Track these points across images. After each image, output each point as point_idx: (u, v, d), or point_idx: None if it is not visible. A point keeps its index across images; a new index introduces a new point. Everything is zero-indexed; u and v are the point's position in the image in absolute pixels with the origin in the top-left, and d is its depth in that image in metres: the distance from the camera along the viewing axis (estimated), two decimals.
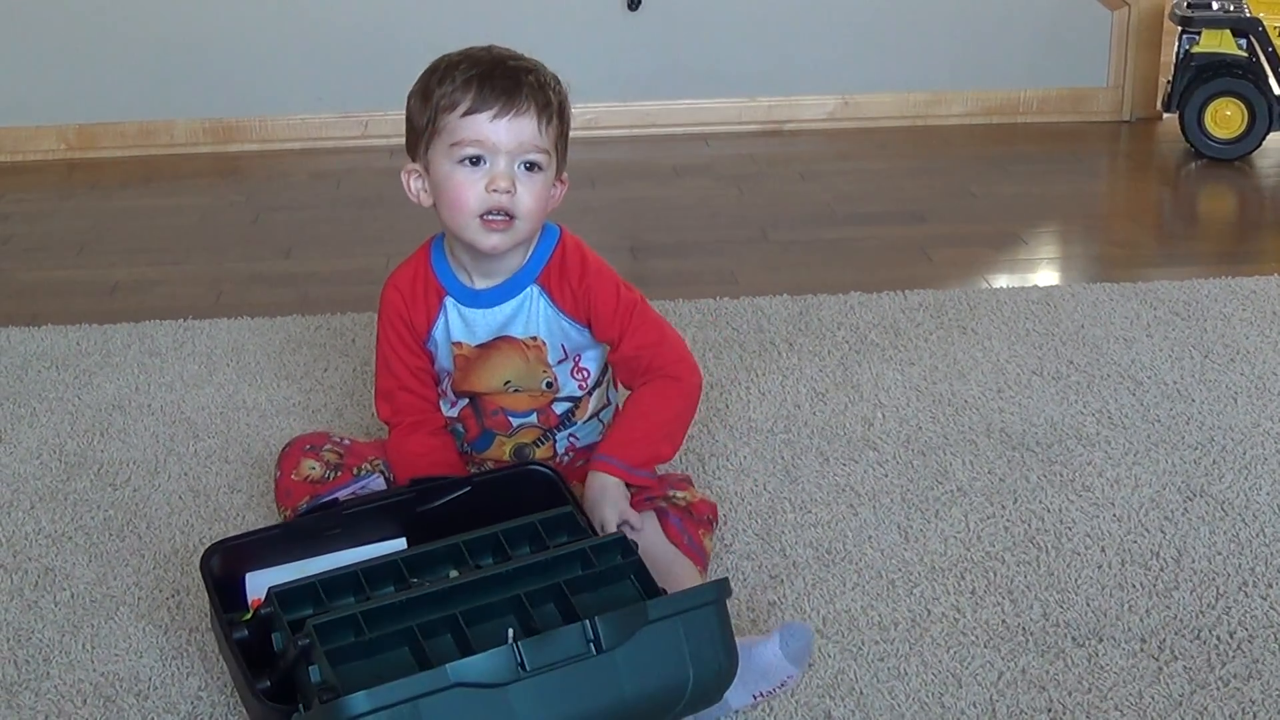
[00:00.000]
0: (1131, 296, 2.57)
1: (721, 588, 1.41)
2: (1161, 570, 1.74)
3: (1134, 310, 2.51)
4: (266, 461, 2.01)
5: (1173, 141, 3.67)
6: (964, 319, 2.49)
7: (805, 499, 1.92)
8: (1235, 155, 3.50)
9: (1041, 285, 2.69)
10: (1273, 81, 3.47)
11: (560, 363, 1.78)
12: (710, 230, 3.10)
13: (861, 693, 1.52)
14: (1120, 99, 3.92)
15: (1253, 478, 1.95)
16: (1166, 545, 1.79)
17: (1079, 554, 1.78)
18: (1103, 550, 1.78)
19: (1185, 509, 1.87)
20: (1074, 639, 1.61)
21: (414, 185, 1.73)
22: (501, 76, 1.64)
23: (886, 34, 3.85)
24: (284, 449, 1.82)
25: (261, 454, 2.06)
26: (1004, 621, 1.64)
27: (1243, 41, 3.45)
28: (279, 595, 1.43)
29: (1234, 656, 1.57)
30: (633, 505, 1.67)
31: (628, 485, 1.69)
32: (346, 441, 1.83)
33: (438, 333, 1.78)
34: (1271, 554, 1.77)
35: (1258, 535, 1.81)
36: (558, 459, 1.83)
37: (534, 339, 1.76)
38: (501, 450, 1.82)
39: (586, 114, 3.70)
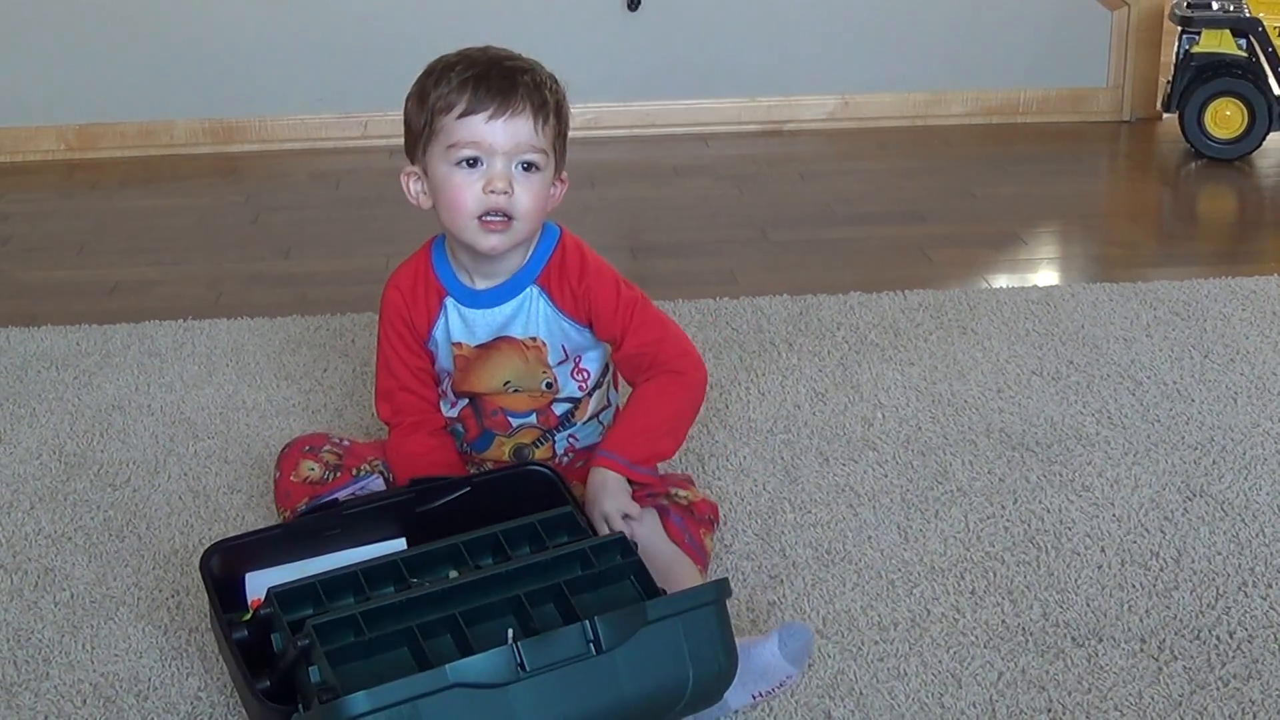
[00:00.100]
0: (1131, 296, 2.57)
1: (721, 588, 1.41)
2: (1161, 570, 1.74)
3: (1134, 310, 2.51)
4: (266, 462, 2.01)
5: (1172, 141, 3.67)
6: (964, 319, 2.49)
7: (805, 499, 1.92)
8: (1235, 155, 3.50)
9: (1041, 285, 2.70)
10: (1272, 81, 3.47)
11: (560, 364, 1.78)
12: (710, 230, 3.10)
13: (861, 693, 1.52)
14: (1120, 99, 3.92)
15: (1252, 478, 1.95)
16: (1166, 545, 1.79)
17: (1079, 554, 1.78)
18: (1102, 550, 1.78)
19: (1185, 509, 1.87)
20: (1074, 639, 1.61)
21: (413, 188, 1.73)
22: (497, 77, 1.64)
23: (886, 34, 3.85)
24: (283, 450, 1.82)
25: (261, 454, 2.06)
26: (1004, 622, 1.64)
27: (1243, 41, 3.45)
28: (279, 595, 1.43)
29: (1234, 657, 1.57)
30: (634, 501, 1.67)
31: (629, 482, 1.69)
32: (346, 442, 1.83)
33: (438, 333, 1.78)
34: (1271, 554, 1.77)
35: (1257, 535, 1.81)
36: (557, 459, 1.83)
37: (533, 339, 1.76)
38: (501, 450, 1.82)
39: (586, 114, 3.70)
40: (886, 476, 1.97)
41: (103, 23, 3.71)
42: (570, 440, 1.83)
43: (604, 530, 1.63)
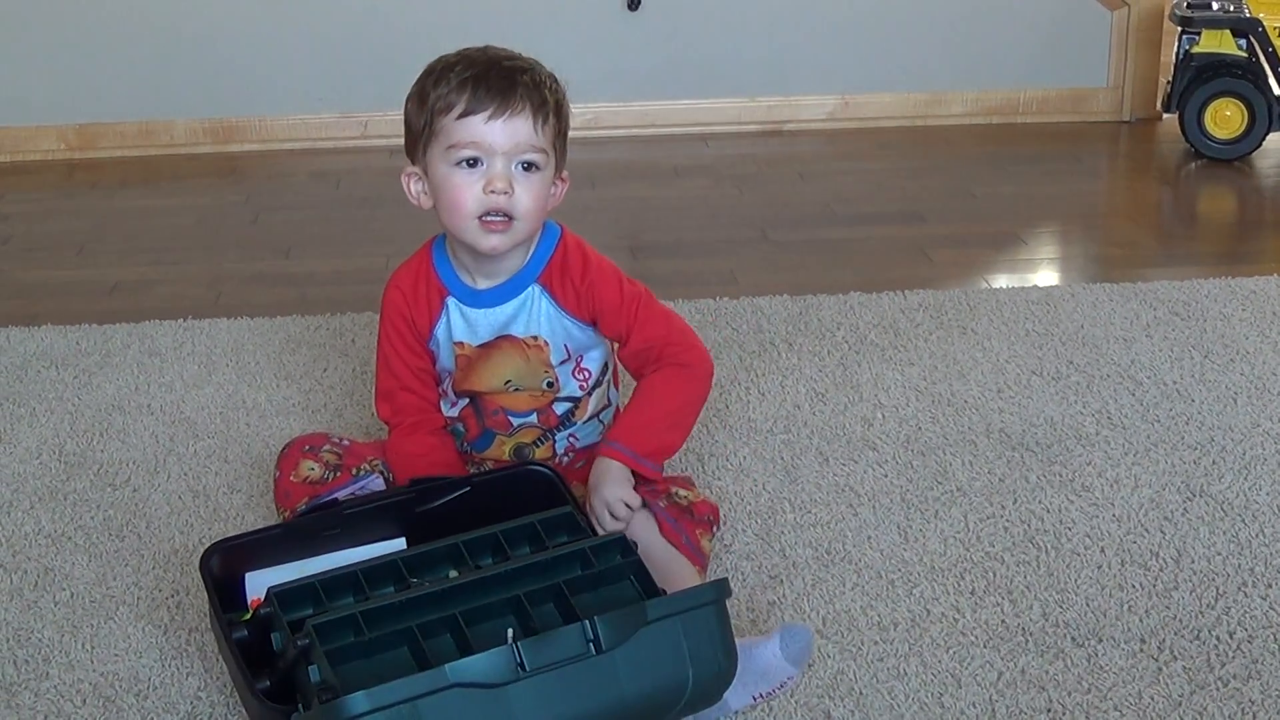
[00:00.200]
0: (1131, 297, 2.57)
1: (721, 588, 1.41)
2: (1161, 570, 1.74)
3: (1134, 310, 2.51)
4: (266, 461, 2.01)
5: (1172, 142, 3.67)
6: (964, 319, 2.49)
7: (805, 499, 1.92)
8: (1235, 155, 3.50)
9: (1041, 285, 2.70)
10: (1273, 82, 3.47)
11: (563, 363, 1.78)
12: (710, 230, 3.10)
13: (861, 693, 1.52)
14: (1120, 99, 3.92)
15: (1252, 478, 1.95)
16: (1166, 545, 1.79)
17: (1078, 554, 1.78)
18: (1102, 550, 1.78)
19: (1185, 509, 1.87)
20: (1073, 639, 1.61)
21: (414, 188, 1.73)
22: (496, 77, 1.64)
23: (886, 34, 3.85)
24: (283, 450, 1.82)
25: (261, 454, 2.06)
26: (1003, 622, 1.64)
27: (1243, 42, 3.45)
28: (278, 595, 1.43)
29: (1233, 657, 1.57)
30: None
31: (633, 475, 1.69)
32: (345, 442, 1.83)
33: (440, 332, 1.78)
34: (1271, 554, 1.77)
35: (1257, 535, 1.81)
36: (557, 459, 1.83)
37: (535, 338, 1.76)
38: (501, 450, 1.82)
39: (586, 114, 3.70)
40: (886, 476, 1.97)
41: (103, 22, 3.71)
42: (571, 440, 1.83)
43: (600, 520, 1.63)
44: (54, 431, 2.16)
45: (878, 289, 2.63)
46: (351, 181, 3.52)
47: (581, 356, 1.79)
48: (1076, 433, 2.08)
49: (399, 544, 1.60)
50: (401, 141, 1.75)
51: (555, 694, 1.31)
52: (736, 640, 1.42)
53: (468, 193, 1.65)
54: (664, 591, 1.44)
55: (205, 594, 1.55)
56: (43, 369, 2.38)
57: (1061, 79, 3.91)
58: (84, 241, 3.12)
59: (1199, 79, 3.46)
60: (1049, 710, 1.50)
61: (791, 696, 1.51)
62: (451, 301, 1.77)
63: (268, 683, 1.40)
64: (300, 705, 1.37)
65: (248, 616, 1.48)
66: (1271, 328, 2.42)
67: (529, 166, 1.67)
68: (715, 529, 1.74)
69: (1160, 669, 1.55)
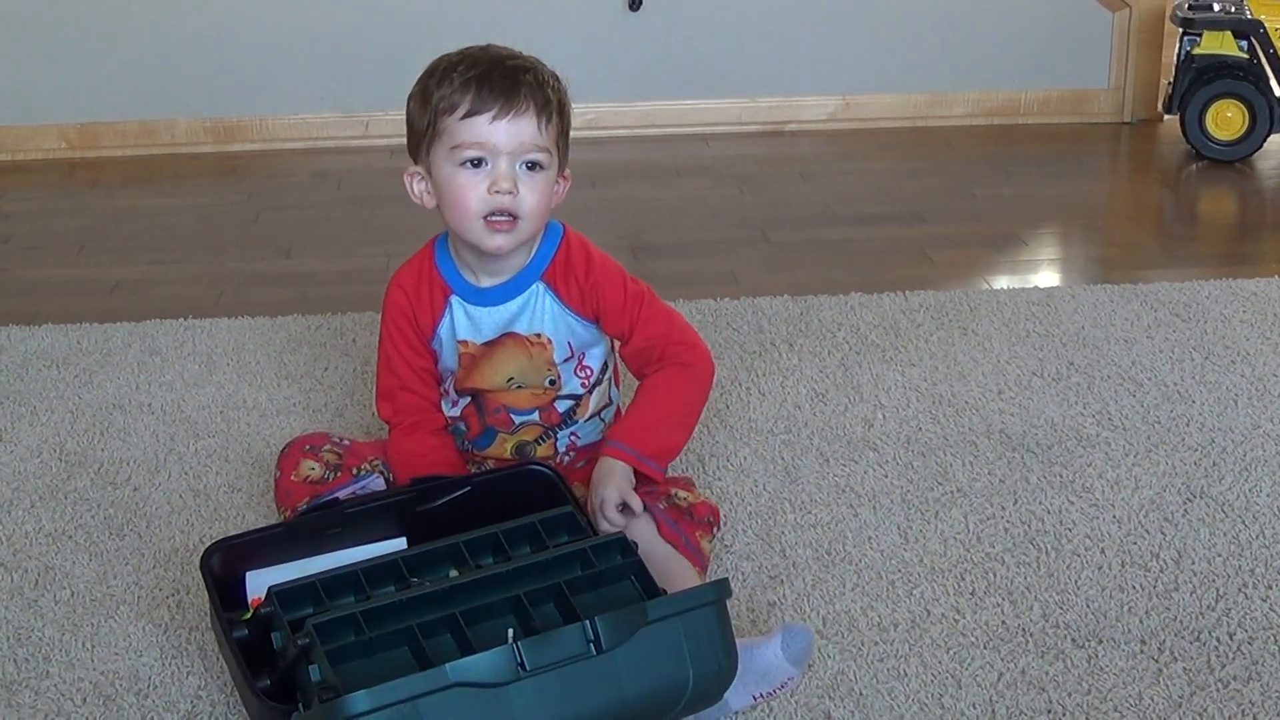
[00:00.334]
0: (1132, 298, 2.57)
1: (721, 588, 1.41)
2: (1161, 572, 1.74)
3: (1134, 312, 2.51)
4: (267, 461, 2.01)
5: (1173, 143, 3.67)
6: (964, 320, 2.49)
7: (805, 499, 1.92)
8: (1236, 157, 3.50)
9: (1042, 286, 2.70)
10: (1274, 83, 3.47)
11: (566, 360, 1.78)
12: (711, 231, 3.10)
13: (861, 694, 1.52)
14: (1121, 100, 3.92)
15: (1253, 479, 1.95)
16: (1166, 547, 1.79)
17: (1079, 555, 1.78)
18: (1103, 551, 1.78)
19: (1185, 510, 1.87)
20: (1074, 640, 1.61)
21: (417, 188, 1.73)
22: (500, 77, 1.64)
23: (887, 35, 3.85)
24: (283, 450, 1.82)
25: (262, 453, 2.06)
26: (1004, 623, 1.64)
27: (1244, 43, 3.45)
28: (279, 594, 1.43)
29: (1234, 658, 1.57)
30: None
31: (636, 474, 1.69)
32: (346, 441, 1.83)
33: (443, 331, 1.78)
34: (1271, 556, 1.77)
35: (1258, 537, 1.81)
36: (558, 457, 1.83)
37: (538, 335, 1.76)
38: (503, 448, 1.82)
39: (587, 114, 3.70)
40: (887, 477, 1.97)
41: (104, 21, 3.71)
42: (572, 438, 1.83)
43: (601, 520, 1.63)
44: (54, 430, 2.16)
45: (878, 289, 2.63)
46: (352, 181, 3.52)
47: (584, 354, 1.80)
48: (1077, 434, 2.08)
49: (399, 543, 1.60)
50: (403, 141, 1.75)
51: (556, 694, 1.31)
52: (737, 640, 1.42)
53: (472, 193, 1.65)
54: (664, 591, 1.45)
55: (206, 593, 1.55)
56: (43, 368, 2.38)
57: (1062, 80, 3.91)
58: (85, 240, 3.12)
59: (1200, 80, 3.46)
60: (1049, 711, 1.50)
61: (792, 697, 1.51)
62: (455, 300, 1.77)
63: (268, 682, 1.40)
64: (300, 704, 1.37)
65: (248, 616, 1.48)
66: (1272, 329, 2.42)
67: (533, 166, 1.67)
68: (715, 530, 1.74)
69: (1160, 670, 1.55)
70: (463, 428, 1.84)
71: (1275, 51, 3.43)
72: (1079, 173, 3.56)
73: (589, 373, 1.81)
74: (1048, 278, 2.82)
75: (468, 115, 1.63)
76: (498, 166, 1.65)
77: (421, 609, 1.39)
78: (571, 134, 1.73)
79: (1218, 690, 1.52)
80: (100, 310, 2.65)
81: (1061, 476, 1.96)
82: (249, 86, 3.77)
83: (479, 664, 1.30)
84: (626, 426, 1.73)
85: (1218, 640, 1.60)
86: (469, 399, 1.82)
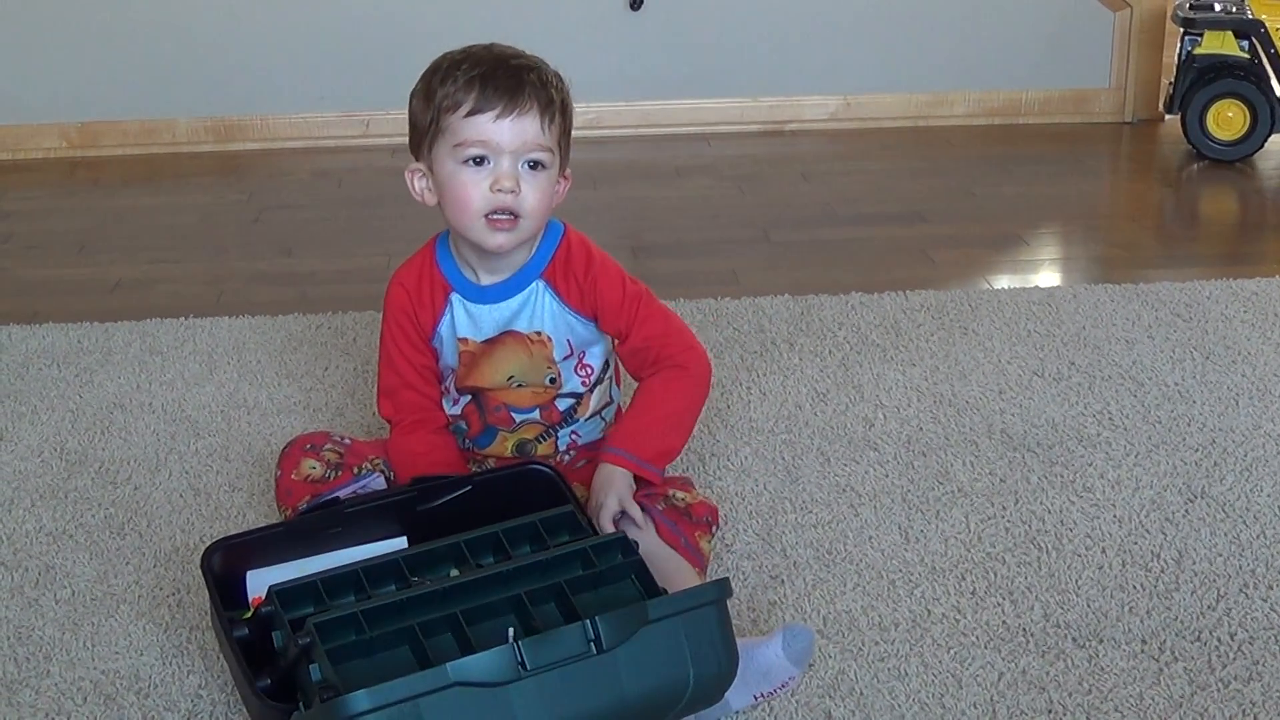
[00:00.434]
0: (1133, 298, 2.57)
1: (722, 587, 1.41)
2: (1162, 572, 1.74)
3: (1135, 311, 2.51)
4: (267, 460, 2.01)
5: (1174, 143, 3.67)
6: (965, 320, 2.49)
7: (806, 499, 1.92)
8: (1237, 157, 3.50)
9: (1043, 286, 2.70)
10: (1275, 83, 3.47)
11: (565, 359, 1.78)
12: (712, 230, 3.10)
13: (862, 693, 1.52)
14: (1122, 100, 3.92)
15: (1254, 479, 1.95)
16: (1167, 547, 1.79)
17: (1080, 555, 1.78)
18: (1103, 551, 1.78)
19: (1186, 510, 1.87)
20: (1074, 640, 1.61)
21: (418, 185, 1.73)
22: (504, 76, 1.64)
23: (889, 35, 3.85)
24: (284, 449, 1.82)
25: (262, 453, 2.06)
26: (1004, 622, 1.64)
27: (1245, 43, 3.45)
28: (280, 594, 1.43)
29: (1234, 658, 1.57)
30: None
31: (635, 479, 1.69)
32: (347, 441, 1.83)
33: (443, 329, 1.78)
34: (1272, 555, 1.77)
35: (1259, 537, 1.81)
36: (559, 456, 1.83)
37: (538, 334, 1.76)
38: (504, 446, 1.82)
39: (588, 114, 3.70)
40: (888, 477, 1.97)
41: (105, 21, 3.71)
42: (573, 437, 1.83)
43: (603, 526, 1.64)
44: (55, 429, 2.16)
45: (879, 289, 2.63)
46: (353, 180, 3.52)
47: (584, 352, 1.80)
48: (1078, 434, 2.08)
49: (400, 543, 1.60)
50: (403, 140, 1.75)
51: (556, 693, 1.31)
52: (738, 640, 1.42)
53: (474, 190, 1.65)
54: (665, 591, 1.44)
55: (206, 592, 1.55)
56: (44, 367, 2.38)
57: (1064, 80, 3.91)
58: (86, 240, 3.12)
59: (1201, 80, 3.47)
60: (1050, 711, 1.49)
61: (792, 696, 1.51)
62: (455, 298, 1.77)
63: (269, 681, 1.40)
64: (301, 704, 1.37)
65: (249, 615, 1.48)
66: (1273, 329, 2.42)
67: (535, 165, 1.67)
68: (714, 530, 1.74)
69: (1161, 670, 1.55)
70: (464, 426, 1.84)
71: (1276, 51, 3.43)
72: (1080, 173, 3.56)
73: (589, 371, 1.81)
74: (1048, 277, 2.82)
75: (471, 113, 1.63)
76: (500, 165, 1.65)
77: (422, 608, 1.39)
78: (573, 134, 1.73)
79: (1218, 690, 1.52)
80: (101, 309, 2.65)
81: (1062, 476, 1.96)
82: (250, 86, 3.77)
83: (480, 663, 1.29)
84: (624, 431, 1.73)
85: (1218, 640, 1.60)
86: (470, 397, 1.82)
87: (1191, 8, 3.50)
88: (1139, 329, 2.44)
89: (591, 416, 1.83)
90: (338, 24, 3.75)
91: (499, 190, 1.64)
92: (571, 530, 1.56)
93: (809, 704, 1.51)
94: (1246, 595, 1.69)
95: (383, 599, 1.41)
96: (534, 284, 1.75)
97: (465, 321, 1.77)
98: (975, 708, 1.50)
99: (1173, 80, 3.55)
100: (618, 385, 1.88)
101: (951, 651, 1.59)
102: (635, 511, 1.65)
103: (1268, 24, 3.42)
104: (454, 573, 1.50)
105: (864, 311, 2.53)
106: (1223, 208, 3.40)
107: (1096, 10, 3.87)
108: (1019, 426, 2.10)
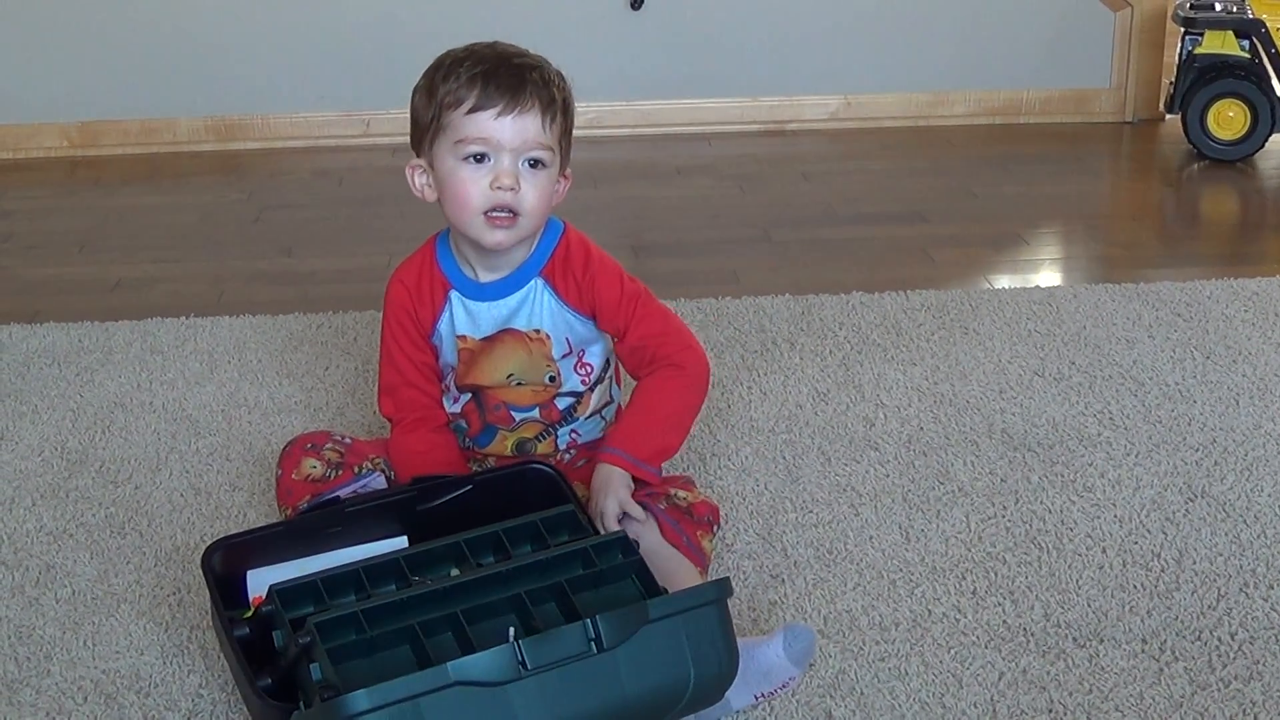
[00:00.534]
0: (1133, 297, 2.57)
1: (723, 587, 1.41)
2: (1163, 571, 1.74)
3: (1136, 311, 2.51)
4: (268, 459, 2.01)
5: (1175, 143, 3.67)
6: (966, 319, 2.49)
7: (806, 499, 1.92)
8: (1237, 156, 3.51)
9: (1043, 286, 2.70)
10: (1275, 83, 3.47)
11: (564, 357, 1.78)
12: (712, 230, 3.10)
13: (862, 693, 1.52)
14: (1123, 100, 3.92)
15: (1254, 479, 1.95)
16: (1168, 546, 1.79)
17: (1080, 555, 1.78)
18: (1104, 551, 1.78)
19: (1187, 510, 1.87)
20: (1075, 640, 1.61)
21: (418, 181, 1.73)
22: (506, 74, 1.64)
23: (889, 34, 3.85)
24: (285, 448, 1.82)
25: (263, 452, 2.06)
26: (1005, 622, 1.64)
27: (1245, 43, 3.45)
28: (280, 593, 1.43)
29: (1235, 658, 1.57)
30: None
31: (633, 479, 1.69)
32: (348, 440, 1.83)
33: (443, 326, 1.78)
34: (1273, 555, 1.77)
35: (1259, 537, 1.81)
36: (559, 455, 1.83)
37: (537, 331, 1.76)
38: (504, 445, 1.82)
39: (589, 113, 3.70)
40: (888, 476, 1.97)
41: (105, 20, 3.71)
42: (573, 436, 1.83)
43: (604, 528, 1.64)
44: (56, 429, 2.16)
45: (880, 289, 2.63)
46: (354, 180, 3.52)
47: (584, 351, 1.80)
48: (1078, 433, 2.08)
49: (401, 542, 1.60)
50: (404, 140, 1.75)
51: (557, 692, 1.31)
52: (739, 640, 1.42)
53: (474, 188, 1.66)
54: (666, 590, 1.44)
55: (207, 591, 1.55)
56: (45, 366, 2.38)
57: (1064, 79, 3.91)
58: (86, 239, 3.12)
59: (1202, 80, 3.47)
60: (1050, 711, 1.49)
61: (793, 696, 1.51)
62: (454, 295, 1.77)
63: (269, 680, 1.40)
64: (301, 703, 1.37)
65: (249, 614, 1.48)
66: (1274, 329, 2.42)
67: (535, 163, 1.67)
68: (715, 529, 1.74)
69: (1161, 670, 1.55)
70: (464, 425, 1.84)
71: (1277, 51, 3.43)
72: (1080, 172, 3.56)
73: (589, 369, 1.81)
74: (1049, 277, 2.82)
75: (473, 110, 1.64)
76: (500, 162, 1.65)
77: (422, 608, 1.39)
78: (574, 133, 1.73)
79: (1219, 690, 1.52)
80: (101, 309, 2.65)
81: (1063, 476, 1.96)
82: (250, 85, 3.77)
83: (480, 663, 1.29)
84: (622, 431, 1.73)
85: (1219, 640, 1.60)
86: (470, 396, 1.82)
87: (1192, 7, 3.51)
88: (1139, 328, 2.44)
89: (591, 415, 1.83)
90: (338, 24, 3.75)
91: (499, 188, 1.65)
92: (572, 529, 1.56)
93: (809, 704, 1.51)
94: (1247, 595, 1.69)
95: (383, 598, 1.41)
96: (532, 282, 1.75)
97: (464, 319, 1.77)
98: (975, 707, 1.50)
99: (1173, 80, 3.55)
100: (618, 384, 1.88)
101: (952, 651, 1.59)
102: (635, 510, 1.65)
103: (1268, 23, 3.42)
104: (454, 572, 1.50)
105: (865, 311, 2.53)
106: (1223, 207, 3.40)
107: (1097, 10, 3.87)
108: (1019, 426, 2.10)
